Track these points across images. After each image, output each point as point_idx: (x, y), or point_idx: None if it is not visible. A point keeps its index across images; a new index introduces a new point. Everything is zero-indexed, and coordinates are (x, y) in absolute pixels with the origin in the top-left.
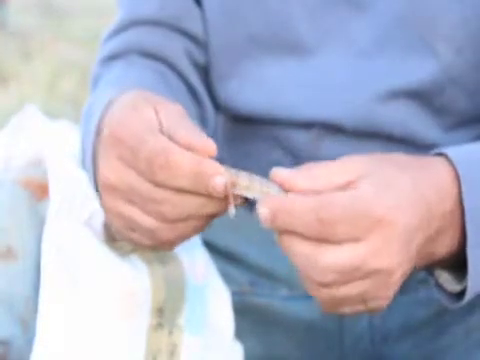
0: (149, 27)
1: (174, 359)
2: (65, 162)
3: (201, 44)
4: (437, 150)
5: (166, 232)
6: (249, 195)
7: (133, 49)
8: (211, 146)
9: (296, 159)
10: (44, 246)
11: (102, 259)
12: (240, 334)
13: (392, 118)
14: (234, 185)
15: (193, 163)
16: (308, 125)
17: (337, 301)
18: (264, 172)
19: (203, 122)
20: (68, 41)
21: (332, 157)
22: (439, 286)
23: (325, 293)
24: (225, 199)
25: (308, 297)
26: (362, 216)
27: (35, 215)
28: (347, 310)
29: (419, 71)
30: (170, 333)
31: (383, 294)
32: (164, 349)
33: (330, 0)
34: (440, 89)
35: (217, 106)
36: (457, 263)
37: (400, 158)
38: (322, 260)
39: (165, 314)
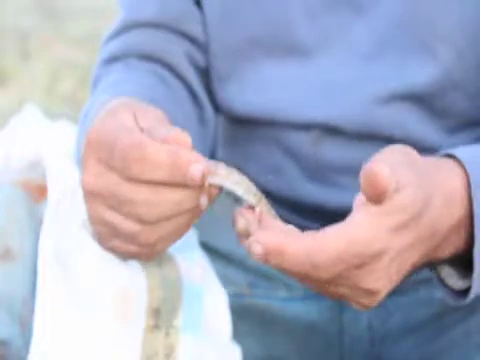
0: (149, 29)
1: None
2: (64, 163)
3: (201, 46)
4: (446, 152)
5: (147, 235)
6: (228, 185)
7: (133, 51)
8: (185, 138)
9: (296, 161)
10: (41, 247)
11: (99, 260)
12: (239, 336)
13: (392, 120)
14: (214, 174)
15: (169, 154)
16: (308, 127)
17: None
18: (264, 173)
19: (203, 124)
20: (67, 41)
21: (332, 159)
22: (440, 280)
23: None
24: (202, 191)
25: (307, 298)
26: (355, 257)
27: (33, 216)
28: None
29: (419, 74)
30: (167, 334)
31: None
32: (160, 351)
33: (330, 2)
34: (440, 92)
35: (217, 108)
36: (461, 260)
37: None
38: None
39: (162, 315)
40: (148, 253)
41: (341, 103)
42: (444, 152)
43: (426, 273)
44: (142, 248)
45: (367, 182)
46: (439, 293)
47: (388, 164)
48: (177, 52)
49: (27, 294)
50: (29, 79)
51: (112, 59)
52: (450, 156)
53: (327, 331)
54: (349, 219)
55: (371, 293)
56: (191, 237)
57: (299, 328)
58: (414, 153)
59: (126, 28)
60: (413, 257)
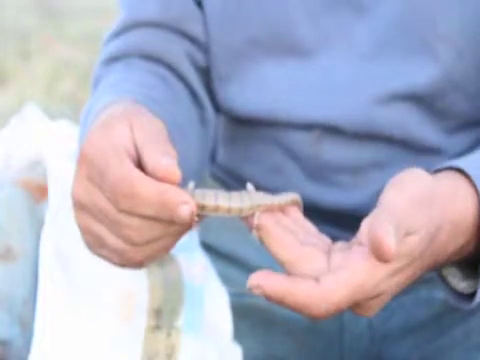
0: (150, 29)
1: None
2: (64, 163)
3: (202, 46)
4: (455, 164)
5: (134, 254)
6: (219, 214)
7: (134, 51)
8: (175, 173)
9: (296, 161)
10: (42, 247)
11: (100, 261)
12: (239, 335)
13: (392, 120)
14: (202, 208)
15: (157, 193)
16: (308, 127)
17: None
18: (265, 173)
19: (204, 124)
20: (67, 41)
21: (332, 158)
22: (442, 278)
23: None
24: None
25: None
26: (353, 302)
27: (34, 216)
28: None
29: (420, 74)
30: (168, 335)
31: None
32: (162, 351)
33: (330, 2)
34: (441, 92)
35: (218, 108)
36: (465, 261)
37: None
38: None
39: (163, 316)
40: (134, 267)
41: (341, 103)
42: (455, 165)
43: (427, 273)
44: (128, 262)
45: (373, 247)
46: (439, 293)
47: (396, 220)
48: (178, 52)
49: (28, 294)
50: (29, 79)
51: (113, 59)
52: (462, 172)
53: (327, 330)
54: (347, 262)
55: (367, 314)
56: (192, 237)
57: (299, 327)
58: (433, 184)
59: (127, 28)
60: (412, 279)
